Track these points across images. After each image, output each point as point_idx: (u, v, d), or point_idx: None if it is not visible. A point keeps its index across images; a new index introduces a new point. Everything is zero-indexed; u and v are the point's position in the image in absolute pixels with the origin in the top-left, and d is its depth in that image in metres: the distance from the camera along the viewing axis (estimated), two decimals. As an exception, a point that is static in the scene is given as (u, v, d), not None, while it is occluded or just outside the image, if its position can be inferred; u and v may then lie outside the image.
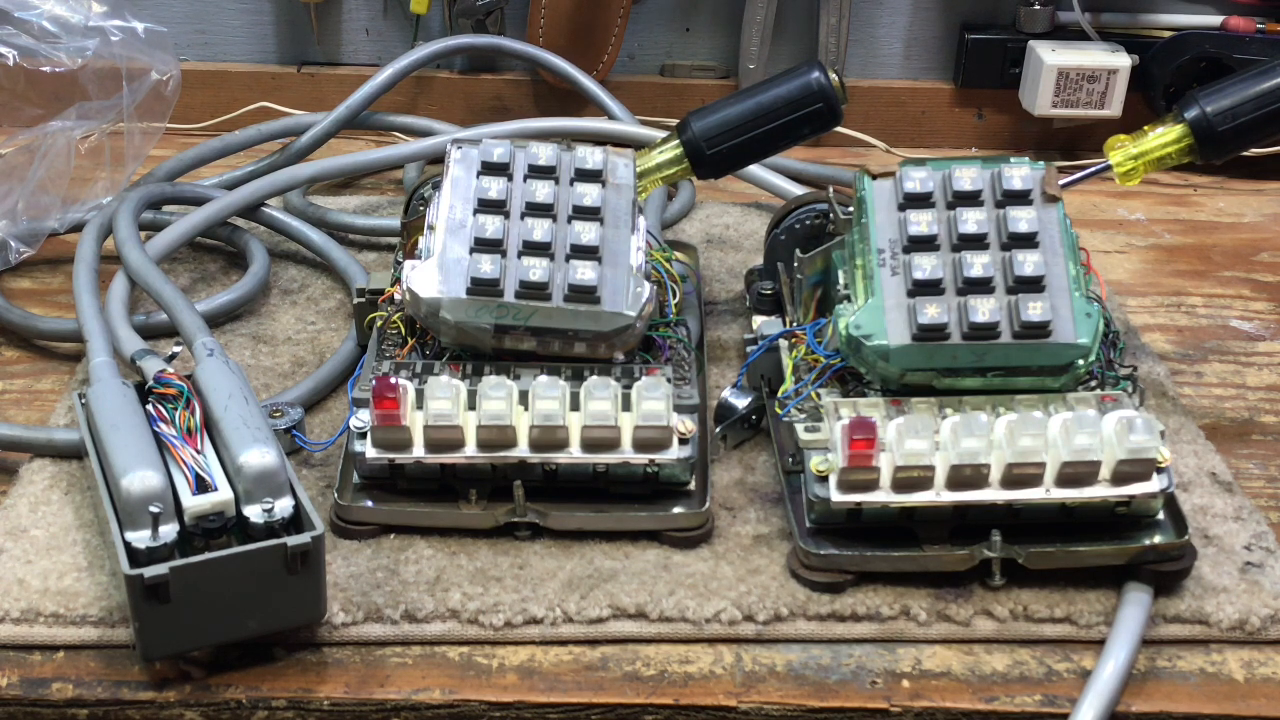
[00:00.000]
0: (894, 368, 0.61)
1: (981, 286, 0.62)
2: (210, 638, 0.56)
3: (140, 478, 0.54)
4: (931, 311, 0.61)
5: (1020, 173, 0.64)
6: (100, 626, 0.58)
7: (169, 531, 0.54)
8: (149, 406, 0.60)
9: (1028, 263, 0.62)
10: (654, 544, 0.63)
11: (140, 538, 0.54)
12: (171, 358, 0.65)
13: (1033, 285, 0.61)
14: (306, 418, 0.70)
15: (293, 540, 0.54)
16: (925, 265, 0.62)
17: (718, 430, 0.69)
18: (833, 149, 1.05)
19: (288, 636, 0.58)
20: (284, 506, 0.56)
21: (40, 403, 0.74)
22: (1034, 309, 0.60)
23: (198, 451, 0.58)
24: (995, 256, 0.62)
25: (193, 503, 0.55)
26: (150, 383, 0.61)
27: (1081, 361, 0.61)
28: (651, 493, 0.63)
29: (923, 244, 0.63)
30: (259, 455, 0.56)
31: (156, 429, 0.58)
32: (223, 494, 0.56)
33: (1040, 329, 0.61)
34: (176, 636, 0.55)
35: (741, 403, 0.69)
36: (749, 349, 0.70)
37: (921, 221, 0.63)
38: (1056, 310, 0.61)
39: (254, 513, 0.55)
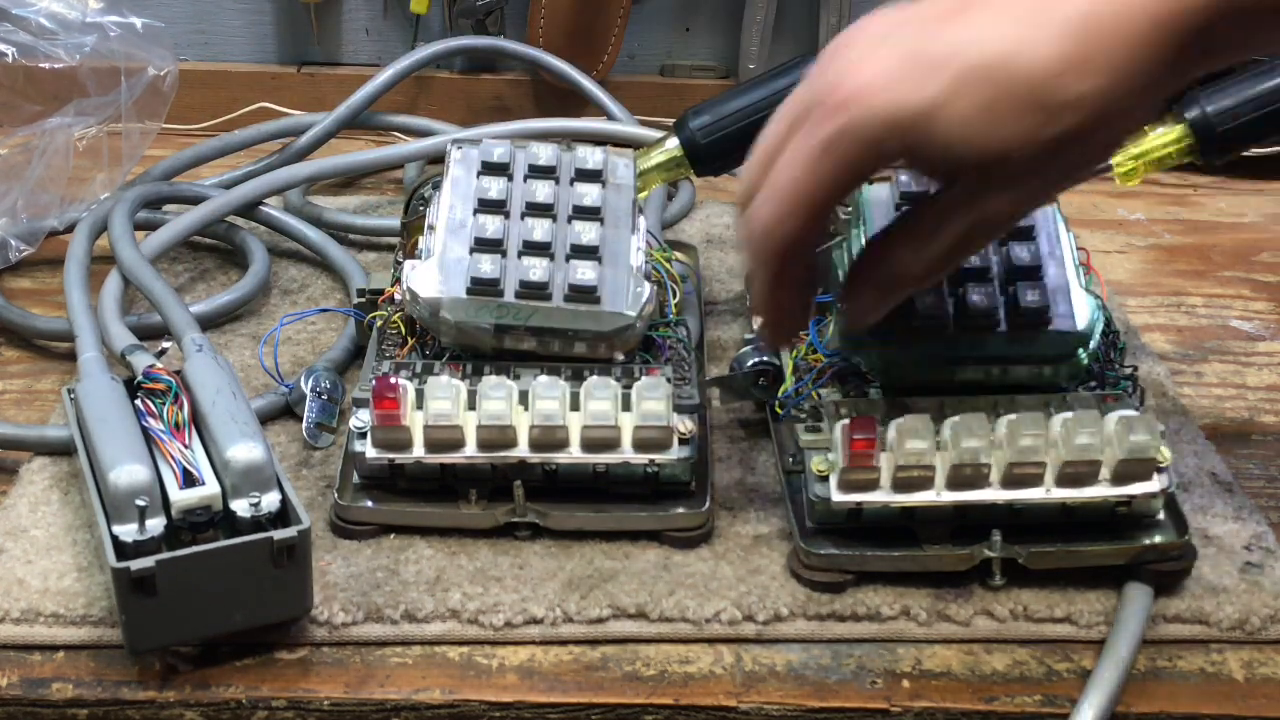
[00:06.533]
0: (894, 358, 0.61)
1: (979, 277, 0.62)
2: (196, 631, 0.56)
3: (127, 471, 0.54)
4: (929, 299, 0.61)
5: None
6: (100, 626, 0.57)
7: (156, 525, 0.54)
8: (138, 401, 0.60)
9: (1025, 252, 0.62)
10: (654, 544, 0.63)
11: (127, 531, 0.54)
12: (161, 353, 0.65)
13: (1029, 274, 0.62)
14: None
15: (279, 534, 0.54)
16: None
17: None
18: (832, 149, 1.05)
19: (288, 636, 0.58)
20: (270, 501, 0.56)
21: (40, 402, 0.73)
22: (1032, 295, 0.61)
23: (185, 446, 0.58)
24: (992, 248, 0.62)
25: (180, 497, 0.55)
26: (139, 378, 0.61)
27: (1083, 351, 0.61)
28: (651, 493, 0.63)
29: None
30: (246, 450, 0.56)
31: (145, 423, 0.58)
32: (210, 488, 0.56)
33: (1039, 314, 0.61)
34: (163, 630, 0.55)
35: (748, 361, 0.68)
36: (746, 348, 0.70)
37: None
38: (1055, 299, 0.61)
39: (240, 507, 0.55)
